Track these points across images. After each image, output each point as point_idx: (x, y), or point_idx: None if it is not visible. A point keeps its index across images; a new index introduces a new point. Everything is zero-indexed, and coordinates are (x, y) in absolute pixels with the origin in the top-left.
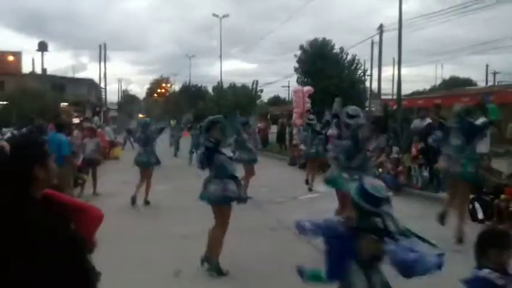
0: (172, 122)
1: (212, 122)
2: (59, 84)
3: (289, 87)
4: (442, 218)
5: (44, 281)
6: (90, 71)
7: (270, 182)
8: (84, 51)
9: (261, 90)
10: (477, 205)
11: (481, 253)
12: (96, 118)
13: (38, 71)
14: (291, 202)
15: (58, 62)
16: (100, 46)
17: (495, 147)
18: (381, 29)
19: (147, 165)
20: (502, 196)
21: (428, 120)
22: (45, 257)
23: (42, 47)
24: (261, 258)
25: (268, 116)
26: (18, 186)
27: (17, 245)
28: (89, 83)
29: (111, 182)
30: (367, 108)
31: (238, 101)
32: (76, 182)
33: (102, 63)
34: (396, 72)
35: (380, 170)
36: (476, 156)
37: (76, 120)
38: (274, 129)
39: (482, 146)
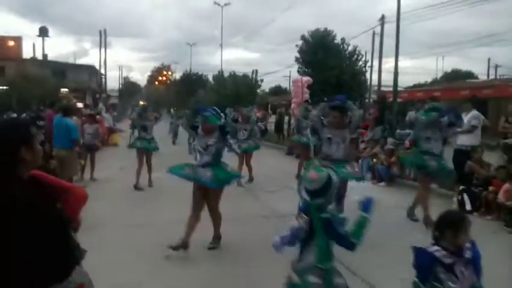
0: (173, 111)
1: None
2: (60, 70)
3: (290, 77)
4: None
5: (31, 256)
6: (92, 57)
7: (266, 171)
8: (86, 37)
9: (262, 80)
10: (466, 197)
11: (439, 233)
12: (101, 105)
13: (39, 56)
14: (285, 191)
15: (59, 47)
16: (100, 32)
17: (489, 140)
18: (382, 20)
19: (140, 149)
20: (490, 188)
21: None
22: (32, 235)
23: (43, 32)
24: (251, 244)
25: (269, 106)
26: (5, 167)
27: (4, 222)
28: (90, 70)
29: (109, 168)
30: (367, 100)
31: (238, 90)
32: None
33: (103, 50)
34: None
35: (374, 160)
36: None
37: (80, 105)
38: (274, 119)
39: (473, 139)
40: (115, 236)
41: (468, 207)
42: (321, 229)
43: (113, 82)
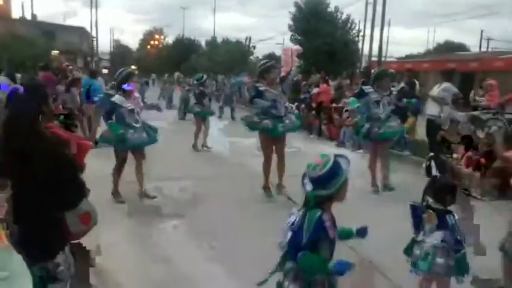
0: (167, 76)
1: (129, 73)
2: (50, 31)
3: (283, 44)
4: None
5: (53, 188)
6: (81, 18)
7: (255, 136)
8: None
9: (254, 47)
10: (433, 163)
11: (442, 198)
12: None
13: (28, 16)
14: None
15: (47, 7)
16: None
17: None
18: None
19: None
20: (454, 156)
21: (402, 85)
22: (53, 171)
23: None
24: (238, 198)
25: None
26: (33, 118)
27: (33, 160)
28: (81, 32)
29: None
30: (358, 70)
31: (231, 56)
32: (70, 130)
33: (93, 11)
34: (389, 33)
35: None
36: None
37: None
38: None
39: (434, 109)
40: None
41: (434, 172)
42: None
43: (103, 44)
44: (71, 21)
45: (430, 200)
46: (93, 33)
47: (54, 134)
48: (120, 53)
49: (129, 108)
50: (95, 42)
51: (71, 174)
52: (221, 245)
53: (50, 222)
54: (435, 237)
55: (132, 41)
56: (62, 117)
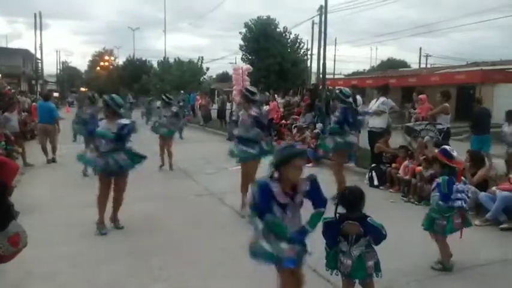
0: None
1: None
2: None
3: (235, 63)
4: None
5: None
6: (26, 40)
7: (206, 155)
8: (20, 19)
9: (207, 69)
10: (374, 174)
11: (357, 206)
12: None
13: None
14: (220, 173)
15: None
16: (35, 15)
17: (397, 124)
18: (321, 10)
19: None
20: (393, 165)
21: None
22: None
23: None
24: (181, 218)
25: (216, 93)
26: None
27: None
28: (25, 54)
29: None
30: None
31: (183, 76)
32: (11, 156)
33: (38, 33)
34: (336, 52)
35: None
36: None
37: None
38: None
39: (381, 122)
40: (49, 217)
41: (375, 182)
42: None
43: (50, 67)
44: (15, 44)
45: (345, 211)
46: (38, 56)
47: None
48: (68, 74)
49: None
50: (40, 65)
51: None
52: (169, 265)
53: None
54: (360, 244)
55: (82, 63)
56: (3, 143)
